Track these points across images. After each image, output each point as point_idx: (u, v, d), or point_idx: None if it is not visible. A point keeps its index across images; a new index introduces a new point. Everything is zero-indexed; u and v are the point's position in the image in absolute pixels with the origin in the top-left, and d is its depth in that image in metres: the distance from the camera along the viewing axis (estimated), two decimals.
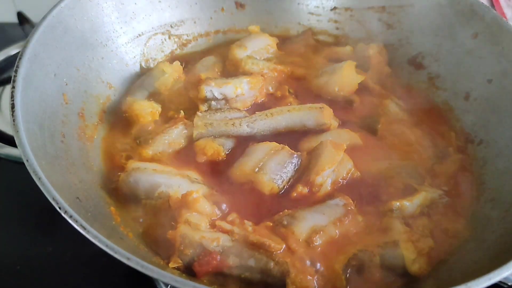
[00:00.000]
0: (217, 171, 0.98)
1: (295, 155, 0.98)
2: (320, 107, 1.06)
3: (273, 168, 0.95)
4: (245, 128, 1.03)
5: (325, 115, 1.06)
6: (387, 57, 1.28)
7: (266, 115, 1.05)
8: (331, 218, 0.88)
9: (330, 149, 0.96)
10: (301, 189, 0.94)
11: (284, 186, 0.95)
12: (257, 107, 1.12)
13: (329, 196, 0.94)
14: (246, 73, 1.16)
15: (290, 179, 0.96)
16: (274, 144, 0.99)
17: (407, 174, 1.00)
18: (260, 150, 0.98)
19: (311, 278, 0.79)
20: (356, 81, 1.16)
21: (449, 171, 1.03)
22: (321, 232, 0.86)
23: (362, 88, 1.17)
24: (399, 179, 0.99)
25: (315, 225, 0.86)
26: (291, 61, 1.26)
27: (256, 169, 0.94)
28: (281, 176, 0.95)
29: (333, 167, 0.95)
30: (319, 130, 1.06)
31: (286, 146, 0.98)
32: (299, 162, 0.97)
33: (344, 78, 1.15)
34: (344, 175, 0.97)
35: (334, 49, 1.30)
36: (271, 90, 1.17)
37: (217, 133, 1.02)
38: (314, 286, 0.79)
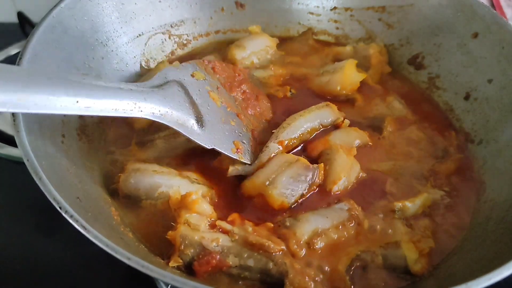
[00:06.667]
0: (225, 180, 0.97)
1: (311, 167, 0.93)
2: (326, 104, 1.06)
3: (284, 182, 0.90)
4: (275, 146, 0.98)
5: (336, 110, 1.06)
6: (387, 57, 1.28)
7: (283, 127, 1.01)
8: (334, 222, 0.88)
9: (342, 155, 0.96)
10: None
11: (296, 201, 0.92)
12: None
13: (336, 200, 0.94)
14: None
15: (303, 193, 0.92)
16: (289, 156, 0.95)
17: (410, 175, 1.00)
18: (273, 163, 0.94)
19: (309, 279, 0.79)
20: (357, 79, 1.16)
21: (449, 170, 1.03)
22: (323, 235, 0.86)
23: (363, 88, 1.18)
24: (402, 180, 0.99)
25: (317, 228, 0.86)
26: (290, 61, 1.26)
27: (267, 182, 0.91)
28: (293, 190, 0.91)
29: (348, 174, 0.95)
30: (332, 127, 1.06)
31: (302, 158, 0.94)
32: (316, 174, 0.93)
33: (346, 77, 1.15)
34: (354, 180, 0.97)
35: (334, 49, 1.30)
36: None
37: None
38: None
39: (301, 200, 0.93)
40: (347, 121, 1.08)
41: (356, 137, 1.04)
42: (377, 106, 1.16)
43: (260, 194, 0.91)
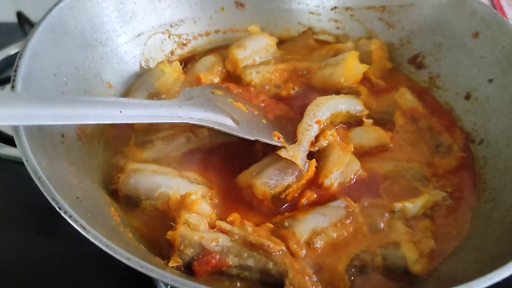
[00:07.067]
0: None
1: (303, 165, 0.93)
2: (355, 97, 1.08)
3: (269, 173, 0.93)
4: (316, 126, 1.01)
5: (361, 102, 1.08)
6: (388, 53, 1.27)
7: (317, 105, 1.03)
8: (332, 220, 0.88)
9: (338, 151, 0.96)
10: (310, 195, 0.93)
11: (279, 192, 0.92)
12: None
13: (333, 197, 0.93)
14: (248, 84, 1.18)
15: (288, 184, 0.93)
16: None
17: (412, 176, 1.00)
18: (272, 157, 0.96)
19: (309, 279, 0.79)
20: (360, 71, 1.16)
21: (449, 166, 1.03)
22: (322, 234, 0.86)
23: (365, 84, 1.18)
24: (404, 181, 0.99)
25: (316, 227, 0.86)
26: (291, 58, 1.25)
27: (254, 173, 0.94)
28: (277, 181, 0.92)
29: (341, 169, 0.94)
30: (356, 122, 1.08)
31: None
32: (305, 170, 0.94)
33: (349, 68, 1.15)
34: (352, 177, 0.97)
35: (335, 46, 1.29)
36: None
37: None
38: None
39: (289, 191, 0.92)
40: (369, 120, 1.08)
41: (376, 137, 1.04)
42: (384, 99, 1.16)
43: (249, 185, 0.93)
